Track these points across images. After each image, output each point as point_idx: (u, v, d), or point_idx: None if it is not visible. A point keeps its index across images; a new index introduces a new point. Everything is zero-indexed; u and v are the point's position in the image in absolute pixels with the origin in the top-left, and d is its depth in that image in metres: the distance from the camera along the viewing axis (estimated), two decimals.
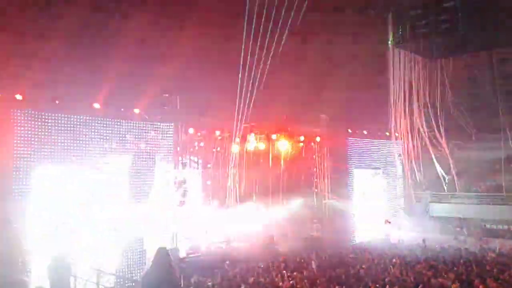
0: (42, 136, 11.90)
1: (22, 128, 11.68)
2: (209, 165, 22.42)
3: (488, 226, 21.44)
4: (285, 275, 12.72)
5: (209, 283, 11.56)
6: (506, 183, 22.81)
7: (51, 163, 11.93)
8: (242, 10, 13.40)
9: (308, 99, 20.87)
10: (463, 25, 19.38)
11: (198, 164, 21.80)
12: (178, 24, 16.62)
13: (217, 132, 20.08)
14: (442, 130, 24.99)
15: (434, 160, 23.74)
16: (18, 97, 11.74)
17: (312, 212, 21.82)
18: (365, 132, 23.41)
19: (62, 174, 12.22)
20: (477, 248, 18.54)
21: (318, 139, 21.90)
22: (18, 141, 11.61)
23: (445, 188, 23.90)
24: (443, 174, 23.99)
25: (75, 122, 12.60)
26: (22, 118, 11.71)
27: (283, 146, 21.52)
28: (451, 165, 24.15)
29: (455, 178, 24.04)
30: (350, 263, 14.82)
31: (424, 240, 19.92)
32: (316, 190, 22.14)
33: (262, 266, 14.48)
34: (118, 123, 13.79)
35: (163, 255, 7.02)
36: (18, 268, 10.56)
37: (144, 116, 15.39)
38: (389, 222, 22.56)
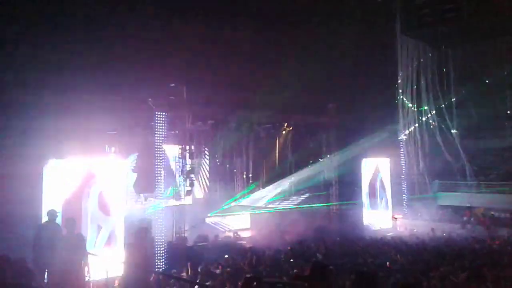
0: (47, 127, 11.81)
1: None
2: (216, 155, 22.57)
3: (496, 214, 21.39)
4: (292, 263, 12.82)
5: (217, 271, 11.64)
6: None
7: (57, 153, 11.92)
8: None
9: (316, 88, 20.81)
10: (468, 13, 19.31)
11: (205, 154, 21.90)
12: (184, 15, 16.57)
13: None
14: (451, 118, 24.93)
15: (443, 148, 23.68)
16: None
17: (320, 200, 21.92)
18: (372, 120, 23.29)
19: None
20: (485, 237, 18.53)
21: None
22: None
23: (454, 176, 23.86)
24: (452, 162, 23.92)
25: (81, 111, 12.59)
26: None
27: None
28: (461, 154, 24.08)
29: (465, 166, 23.98)
30: (358, 252, 14.86)
31: (432, 229, 19.91)
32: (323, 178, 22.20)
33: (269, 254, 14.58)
34: (125, 113, 13.79)
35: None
36: None
37: (151, 106, 15.44)
38: (396, 218, 22.61)
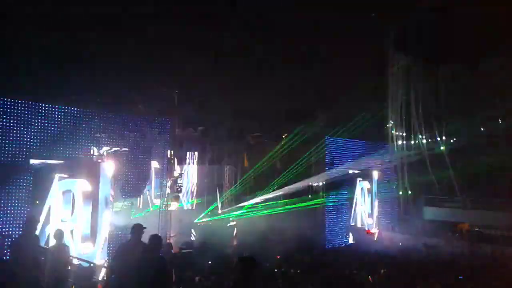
0: (34, 128, 11.69)
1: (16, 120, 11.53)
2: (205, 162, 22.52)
3: (481, 231, 21.51)
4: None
5: (197, 278, 11.58)
6: (501, 189, 22.87)
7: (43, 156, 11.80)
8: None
9: (306, 101, 20.88)
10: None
11: (194, 160, 21.87)
12: (177, 18, 16.56)
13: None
14: (440, 134, 25.09)
15: (428, 164, 23.76)
16: None
17: (305, 211, 21.88)
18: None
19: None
20: (469, 253, 18.63)
21: None
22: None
23: (440, 192, 23.96)
24: (438, 178, 24.02)
25: (71, 114, 12.51)
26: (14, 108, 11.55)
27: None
28: (449, 169, 24.16)
29: (451, 182, 24.07)
30: (342, 264, 14.87)
31: (425, 244, 19.80)
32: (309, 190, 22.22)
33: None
34: (115, 116, 13.72)
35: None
36: None
37: (141, 110, 15.41)
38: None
